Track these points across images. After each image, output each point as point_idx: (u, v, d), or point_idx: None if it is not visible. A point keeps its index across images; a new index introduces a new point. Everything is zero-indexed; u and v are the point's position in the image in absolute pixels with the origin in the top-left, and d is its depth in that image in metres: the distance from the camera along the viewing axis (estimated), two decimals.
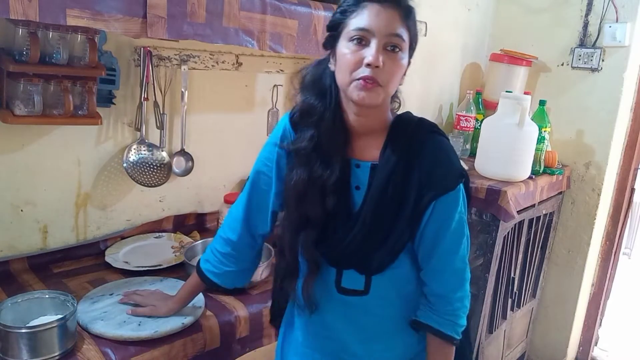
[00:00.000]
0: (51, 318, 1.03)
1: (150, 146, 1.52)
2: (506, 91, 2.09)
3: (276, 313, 1.21)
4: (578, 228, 2.45)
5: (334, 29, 0.96)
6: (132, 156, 1.48)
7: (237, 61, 1.69)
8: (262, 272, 1.35)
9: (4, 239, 1.32)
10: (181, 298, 1.16)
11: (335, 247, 1.00)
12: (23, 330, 0.97)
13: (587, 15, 2.30)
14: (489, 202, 1.91)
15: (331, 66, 0.98)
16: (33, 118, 1.23)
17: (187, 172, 1.62)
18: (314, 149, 0.98)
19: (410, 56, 0.97)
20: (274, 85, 1.79)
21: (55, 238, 1.41)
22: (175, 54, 1.52)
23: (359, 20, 0.91)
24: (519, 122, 1.93)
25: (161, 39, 1.27)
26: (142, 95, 1.45)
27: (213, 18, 1.24)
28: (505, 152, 1.98)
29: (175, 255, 1.48)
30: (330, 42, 0.98)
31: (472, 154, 2.32)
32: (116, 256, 1.43)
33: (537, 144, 2.06)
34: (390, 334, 1.05)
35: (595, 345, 2.80)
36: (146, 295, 1.18)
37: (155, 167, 1.53)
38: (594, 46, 2.29)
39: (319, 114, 0.98)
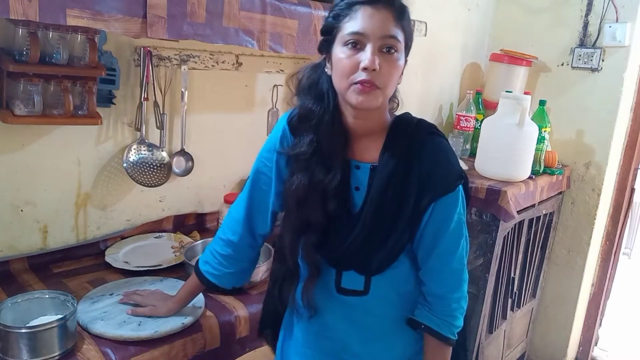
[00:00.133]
0: (51, 318, 1.03)
1: (150, 146, 1.52)
2: (506, 91, 2.09)
3: (267, 322, 1.20)
4: (578, 228, 2.45)
5: (328, 33, 0.96)
6: (132, 156, 1.48)
7: (237, 61, 1.69)
8: (262, 272, 1.35)
9: (4, 239, 1.32)
10: (181, 298, 1.16)
11: (336, 249, 1.00)
12: (23, 330, 0.97)
13: (587, 15, 2.30)
14: (489, 202, 1.91)
15: (327, 70, 0.98)
16: (33, 118, 1.23)
17: (187, 172, 1.62)
18: (313, 154, 0.98)
19: (407, 55, 0.97)
20: (274, 85, 1.79)
21: (55, 238, 1.41)
22: (175, 54, 1.52)
23: (353, 24, 0.90)
24: (519, 122, 1.93)
25: (161, 39, 1.27)
26: (142, 95, 1.45)
27: (213, 18, 1.24)
28: (505, 152, 1.98)
29: (175, 255, 1.48)
30: (325, 47, 0.97)
31: (472, 154, 2.32)
32: (116, 256, 1.43)
33: (537, 144, 2.06)
34: (390, 333, 1.05)
35: (595, 345, 2.80)
36: (146, 295, 1.18)
37: (155, 167, 1.53)
38: (594, 46, 2.29)
39: (317, 118, 0.98)
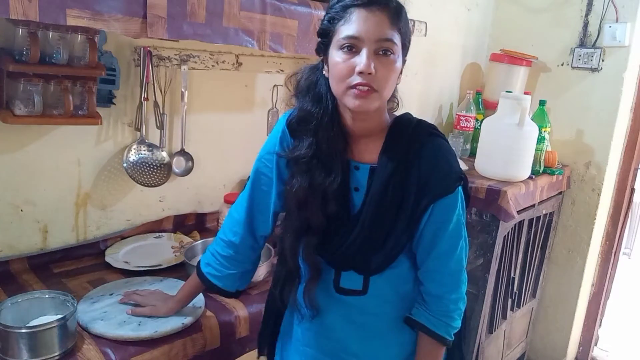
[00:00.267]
0: (51, 318, 1.02)
1: (150, 146, 1.52)
2: (506, 91, 2.09)
3: (265, 339, 1.18)
4: (578, 228, 2.45)
5: (324, 36, 0.95)
6: (132, 156, 1.48)
7: (237, 61, 1.69)
8: (262, 272, 1.35)
9: (4, 239, 1.32)
10: (181, 298, 1.16)
11: (335, 250, 1.00)
12: (23, 330, 0.97)
13: (587, 15, 2.30)
14: (489, 202, 1.91)
15: (325, 72, 0.97)
16: (33, 118, 1.23)
17: (187, 172, 1.62)
18: (313, 156, 0.97)
19: (405, 55, 0.97)
20: (274, 85, 1.79)
21: (55, 238, 1.41)
22: (175, 54, 1.52)
23: (348, 27, 0.90)
24: (519, 122, 1.93)
25: (161, 39, 1.27)
26: (142, 95, 1.45)
27: (213, 18, 1.24)
28: (505, 152, 1.98)
29: (175, 255, 1.48)
30: (322, 49, 0.97)
31: (472, 154, 2.32)
32: (116, 256, 1.43)
33: (537, 144, 2.06)
34: (388, 332, 1.05)
35: (595, 345, 2.80)
36: (146, 295, 1.18)
37: (155, 167, 1.52)
38: (594, 46, 2.29)
39: (316, 120, 0.98)
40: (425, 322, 1.01)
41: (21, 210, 1.34)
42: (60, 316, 1.01)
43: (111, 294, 1.21)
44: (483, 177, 2.03)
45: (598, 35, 2.27)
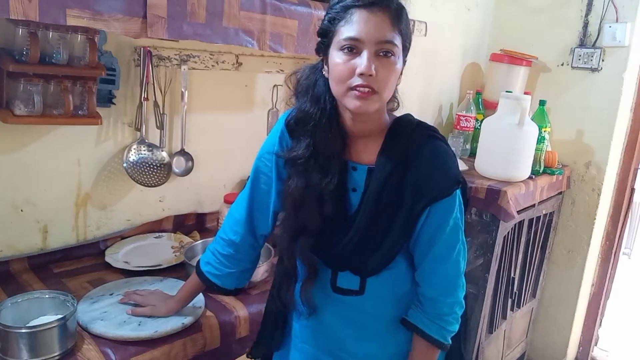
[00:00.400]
0: (51, 318, 1.02)
1: (150, 146, 1.52)
2: (506, 91, 2.09)
3: (263, 342, 1.17)
4: (578, 228, 2.45)
5: (324, 36, 0.95)
6: (132, 156, 1.48)
7: (237, 61, 1.69)
8: (262, 272, 1.35)
9: (4, 239, 1.32)
10: (181, 298, 1.16)
11: (331, 250, 1.00)
12: (23, 330, 0.97)
13: (587, 15, 2.30)
14: (489, 202, 1.91)
15: (325, 73, 0.97)
16: (33, 118, 1.23)
17: (187, 172, 1.62)
18: (310, 157, 0.97)
19: (405, 56, 0.96)
20: (274, 85, 1.79)
21: (55, 238, 1.41)
22: (175, 54, 1.52)
23: (348, 29, 0.89)
24: (519, 122, 1.93)
25: (161, 39, 1.27)
26: (142, 95, 1.45)
27: (213, 18, 1.24)
28: (505, 152, 1.98)
29: (175, 255, 1.48)
30: (322, 49, 0.96)
31: (472, 154, 2.32)
32: (116, 256, 1.43)
33: (537, 144, 2.06)
34: (385, 332, 1.05)
35: (595, 345, 2.80)
36: (146, 295, 1.18)
37: (155, 167, 1.52)
38: (594, 46, 2.29)
39: (315, 121, 0.97)
40: (419, 324, 1.01)
41: (21, 210, 1.34)
42: (60, 316, 1.01)
43: (111, 294, 1.21)
44: (483, 177, 2.03)
45: (598, 35, 2.27)
